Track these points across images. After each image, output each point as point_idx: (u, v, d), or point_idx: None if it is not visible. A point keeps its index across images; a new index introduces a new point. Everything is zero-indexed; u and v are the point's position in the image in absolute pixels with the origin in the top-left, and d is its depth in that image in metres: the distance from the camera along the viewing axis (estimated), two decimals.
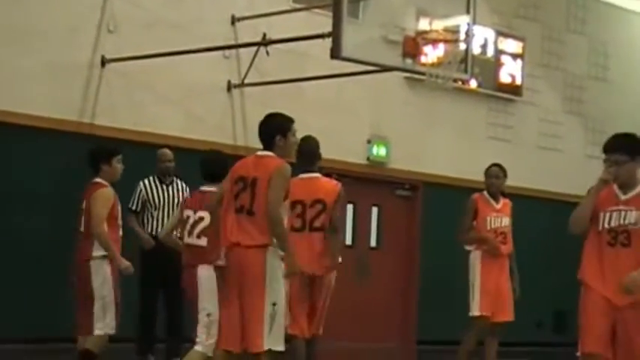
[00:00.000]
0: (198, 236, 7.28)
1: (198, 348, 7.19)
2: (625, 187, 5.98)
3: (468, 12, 10.33)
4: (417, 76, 11.42)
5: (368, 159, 13.74)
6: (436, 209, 14.09)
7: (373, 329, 13.61)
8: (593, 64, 16.57)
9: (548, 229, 13.96)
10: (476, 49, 13.20)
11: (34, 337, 10.37)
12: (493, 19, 14.91)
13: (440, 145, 14.48)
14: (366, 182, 13.53)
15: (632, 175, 6.00)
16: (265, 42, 11.23)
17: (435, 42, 10.15)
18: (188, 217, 7.40)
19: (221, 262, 6.89)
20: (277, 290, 6.50)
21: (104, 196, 7.69)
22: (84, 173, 10.59)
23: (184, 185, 9.58)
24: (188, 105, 11.84)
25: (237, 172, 6.70)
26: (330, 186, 7.87)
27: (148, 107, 11.56)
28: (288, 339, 7.34)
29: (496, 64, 14.97)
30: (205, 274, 7.16)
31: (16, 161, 10.70)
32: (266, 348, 6.44)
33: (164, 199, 9.48)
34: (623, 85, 16.71)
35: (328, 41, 9.49)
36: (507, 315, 9.07)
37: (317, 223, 7.71)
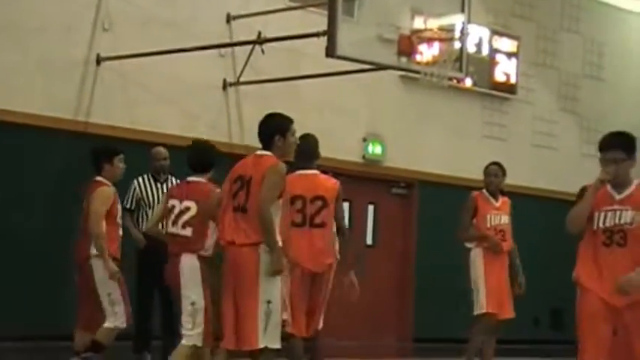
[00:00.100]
0: (184, 226, 7.18)
1: (184, 341, 7.09)
2: (619, 186, 5.95)
3: (462, 11, 10.36)
4: (412, 74, 11.44)
5: (363, 157, 13.76)
6: (432, 207, 14.12)
7: (369, 327, 13.63)
8: (588, 62, 16.60)
9: (544, 228, 14.00)
10: (471, 48, 13.23)
11: (32, 335, 10.37)
12: (488, 17, 14.93)
13: (435, 143, 14.50)
14: (362, 180, 13.54)
15: (628, 173, 5.98)
16: (261, 40, 11.23)
17: (430, 40, 10.17)
18: (173, 207, 7.29)
19: (205, 253, 6.97)
20: (271, 288, 6.52)
21: (104, 195, 7.72)
22: (79, 171, 10.58)
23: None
24: (184, 103, 11.84)
25: (236, 171, 6.77)
26: (330, 183, 7.91)
27: (144, 105, 11.55)
28: (286, 337, 7.36)
29: (491, 62, 14.99)
30: (189, 263, 7.10)
31: (10, 159, 10.68)
32: (261, 346, 6.46)
33: (158, 197, 9.48)
34: (618, 84, 16.75)
35: (323, 40, 9.51)
36: (509, 312, 9.12)
37: (318, 220, 7.74)
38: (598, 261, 5.91)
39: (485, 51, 14.85)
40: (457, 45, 10.38)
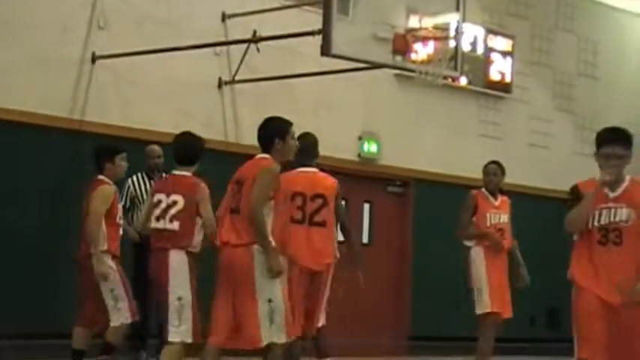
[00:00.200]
0: (171, 220, 7.10)
1: (171, 338, 7.00)
2: (613, 183, 5.90)
3: (457, 9, 10.38)
4: (407, 73, 11.43)
5: (359, 155, 13.77)
6: (427, 206, 14.14)
7: (365, 325, 13.64)
8: (582, 61, 16.62)
9: (539, 226, 14.02)
10: (465, 47, 13.24)
11: (28, 333, 10.36)
12: (483, 16, 14.95)
13: (430, 141, 14.51)
14: (357, 179, 13.54)
15: (623, 170, 5.95)
16: (256, 39, 11.24)
17: (425, 39, 10.18)
18: (160, 202, 7.21)
19: (193, 249, 6.97)
20: (271, 287, 6.53)
21: (104, 194, 7.72)
22: (74, 169, 10.61)
23: None
24: (179, 102, 11.84)
25: (237, 173, 6.83)
26: (329, 182, 7.95)
27: (139, 104, 11.55)
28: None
29: (486, 61, 15.01)
30: (177, 258, 7.04)
31: (5, 158, 10.68)
32: (267, 342, 6.49)
33: None
34: (612, 83, 16.77)
35: (319, 38, 9.51)
36: (509, 312, 9.14)
37: (317, 218, 7.76)
38: (593, 259, 5.88)
39: (480, 50, 14.87)
40: (452, 44, 10.39)
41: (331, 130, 12.87)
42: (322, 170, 8.09)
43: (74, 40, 11.15)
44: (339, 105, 13.28)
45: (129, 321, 7.74)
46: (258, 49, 11.40)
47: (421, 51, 10.22)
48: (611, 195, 5.91)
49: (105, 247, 7.66)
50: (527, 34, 15.72)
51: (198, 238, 7.11)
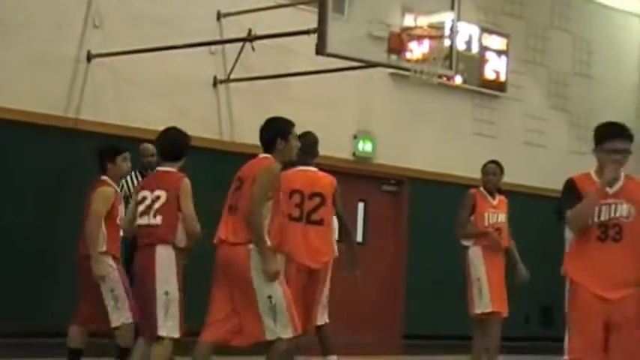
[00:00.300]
0: (154, 215, 7.06)
1: (159, 333, 6.95)
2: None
3: (452, 8, 10.39)
4: (402, 72, 11.45)
5: (354, 154, 13.78)
6: (422, 204, 14.16)
7: (360, 323, 13.65)
8: (577, 60, 16.65)
9: (534, 225, 14.03)
10: (461, 46, 13.27)
11: (22, 332, 10.37)
12: (478, 15, 14.97)
13: (425, 140, 14.53)
14: (352, 177, 13.54)
15: None
16: (251, 38, 11.25)
17: (420, 38, 10.19)
18: (144, 198, 7.17)
19: (179, 244, 6.93)
20: (269, 284, 6.53)
21: (104, 195, 7.71)
22: (69, 168, 10.60)
23: None
24: (174, 100, 11.84)
25: (239, 171, 6.84)
26: (328, 180, 7.97)
27: (134, 102, 11.56)
28: None
29: (481, 60, 15.03)
30: (164, 254, 6.99)
31: (0, 156, 10.68)
32: (270, 338, 6.51)
33: None
34: (607, 82, 16.80)
35: (314, 37, 9.53)
36: (506, 310, 9.16)
37: (315, 217, 7.78)
38: (591, 256, 5.83)
39: (475, 49, 14.89)
40: (447, 43, 10.40)
41: (326, 128, 12.84)
42: (321, 170, 8.11)
43: (69, 38, 11.15)
44: (334, 104, 13.30)
45: (130, 321, 7.73)
46: (253, 48, 11.41)
47: (416, 50, 10.23)
48: (611, 191, 5.87)
49: (104, 249, 7.64)
50: (522, 33, 15.75)
51: (180, 233, 7.05)
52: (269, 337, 6.51)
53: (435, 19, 10.31)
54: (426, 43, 10.24)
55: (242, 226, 6.56)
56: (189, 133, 11.43)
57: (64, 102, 11.12)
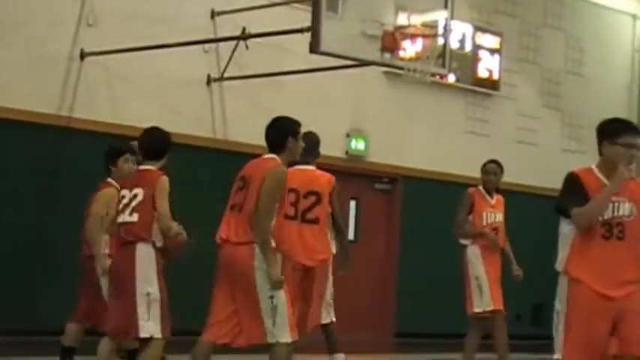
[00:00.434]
0: (131, 213, 6.96)
1: (142, 334, 6.80)
2: (612, 175, 5.79)
3: (446, 7, 10.41)
4: (395, 70, 11.46)
5: (347, 153, 13.80)
6: (415, 203, 14.18)
7: (351, 322, 13.64)
8: (570, 59, 16.68)
9: (526, 223, 14.06)
10: (454, 44, 13.29)
11: (18, 330, 10.38)
12: (471, 14, 14.99)
13: (418, 138, 14.55)
14: (345, 176, 13.52)
15: None
16: (245, 36, 11.26)
17: (413, 37, 10.20)
18: (123, 197, 7.09)
19: (159, 243, 6.84)
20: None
21: (105, 196, 7.70)
22: (61, 166, 10.59)
23: None
24: (167, 98, 11.85)
25: (242, 171, 6.78)
26: (325, 179, 7.98)
27: (127, 101, 11.56)
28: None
29: (474, 58, 15.05)
30: (144, 251, 6.87)
31: None
32: (270, 341, 6.46)
33: None
34: (598, 80, 16.84)
35: (307, 35, 9.54)
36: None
37: (310, 215, 7.80)
38: (595, 253, 5.76)
39: (468, 47, 14.91)
40: (440, 41, 10.42)
41: (319, 126, 12.75)
42: (319, 168, 8.14)
43: (63, 36, 11.15)
44: (327, 102, 13.31)
45: None
46: (247, 46, 11.42)
47: (409, 48, 10.24)
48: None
49: (107, 251, 7.61)
50: (515, 32, 15.78)
51: (156, 232, 6.90)
52: (269, 339, 6.46)
53: (428, 17, 10.33)
54: (420, 41, 10.25)
55: (246, 226, 6.51)
56: (183, 131, 11.55)
57: (57, 100, 11.11)
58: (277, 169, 6.60)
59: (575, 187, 5.81)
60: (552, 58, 16.36)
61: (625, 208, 5.76)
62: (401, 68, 10.28)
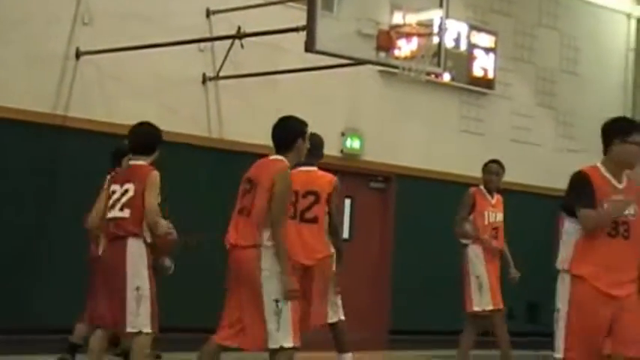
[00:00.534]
0: (122, 208, 6.93)
1: (129, 329, 6.77)
2: (618, 175, 5.84)
3: (441, 6, 10.43)
4: (390, 69, 11.48)
5: (342, 151, 13.81)
6: (409, 201, 14.20)
7: (346, 319, 13.61)
8: (564, 58, 16.72)
9: (520, 221, 14.07)
10: (449, 43, 13.33)
11: (14, 329, 10.39)
12: (466, 13, 15.02)
13: (413, 137, 14.57)
14: (340, 174, 13.50)
15: None
16: (240, 35, 11.27)
17: (408, 36, 10.23)
18: (114, 192, 7.07)
19: (149, 239, 6.82)
20: (277, 287, 6.44)
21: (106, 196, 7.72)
22: (56, 165, 10.59)
23: None
24: (163, 98, 11.86)
25: (248, 172, 6.73)
26: (326, 179, 8.00)
27: (122, 100, 11.56)
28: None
29: (469, 57, 15.08)
30: (135, 246, 6.86)
31: None
32: (276, 346, 6.40)
33: None
34: (593, 79, 16.88)
35: (303, 34, 9.55)
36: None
37: (308, 215, 7.81)
38: (600, 251, 5.75)
39: (463, 46, 14.94)
40: (435, 40, 10.44)
41: (314, 125, 12.73)
42: (322, 169, 8.16)
43: (59, 35, 11.15)
44: (322, 101, 13.32)
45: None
46: (242, 45, 11.44)
47: (405, 47, 10.27)
48: (619, 186, 5.84)
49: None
50: (510, 31, 15.81)
51: (146, 225, 6.89)
52: (271, 344, 6.41)
53: (423, 16, 10.36)
54: (415, 40, 10.28)
55: (253, 229, 6.48)
56: (179, 130, 11.56)
57: (52, 99, 11.12)
58: (285, 171, 6.57)
59: (583, 187, 5.80)
60: (547, 57, 16.40)
61: (631, 207, 5.77)
62: (396, 67, 10.31)
